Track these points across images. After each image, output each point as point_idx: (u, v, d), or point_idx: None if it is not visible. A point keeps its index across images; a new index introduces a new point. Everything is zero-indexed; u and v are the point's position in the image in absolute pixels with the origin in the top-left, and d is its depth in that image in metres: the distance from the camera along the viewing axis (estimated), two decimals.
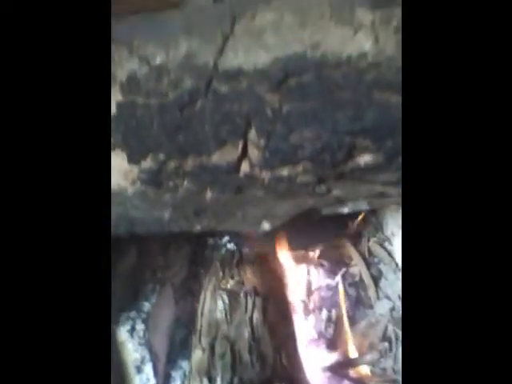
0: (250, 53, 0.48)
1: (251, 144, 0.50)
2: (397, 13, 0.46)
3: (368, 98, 0.45)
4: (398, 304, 0.95)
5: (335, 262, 1.05)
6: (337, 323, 0.95)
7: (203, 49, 0.49)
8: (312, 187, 0.54)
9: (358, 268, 1.04)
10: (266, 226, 0.57)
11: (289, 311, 0.90)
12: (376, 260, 1.04)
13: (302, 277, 1.02)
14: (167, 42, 0.50)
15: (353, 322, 0.96)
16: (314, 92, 0.46)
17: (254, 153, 0.51)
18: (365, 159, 0.50)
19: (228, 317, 0.80)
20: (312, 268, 1.03)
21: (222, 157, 0.52)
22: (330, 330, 0.93)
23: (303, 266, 1.03)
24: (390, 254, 1.03)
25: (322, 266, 1.04)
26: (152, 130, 0.52)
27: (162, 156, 0.53)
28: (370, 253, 1.06)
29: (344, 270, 1.03)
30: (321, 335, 0.94)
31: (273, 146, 0.49)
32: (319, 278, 1.03)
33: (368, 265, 1.03)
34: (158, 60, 0.50)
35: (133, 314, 0.89)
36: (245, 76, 0.47)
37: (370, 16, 0.46)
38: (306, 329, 0.94)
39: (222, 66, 0.48)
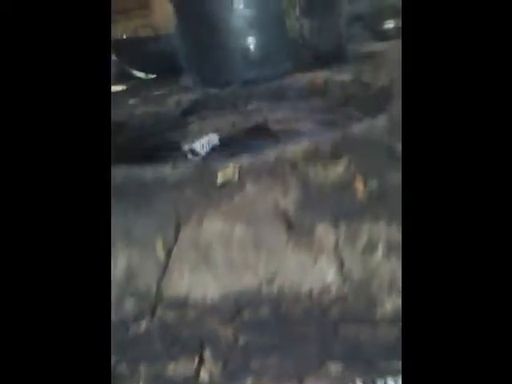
0: (197, 277, 0.41)
1: (208, 362, 0.45)
2: (364, 228, 0.40)
3: (334, 332, 0.40)
4: None
5: None
6: None
7: (145, 264, 0.43)
8: None
9: None
10: None
11: None
12: None
13: None
14: None
15: None
16: (272, 327, 0.40)
17: (212, 369, 0.45)
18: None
19: None
20: None
21: (177, 369, 0.46)
22: None
23: None
24: None
25: None
26: None
27: (113, 359, 0.48)
28: None
29: None
30: None
31: (231, 370, 0.43)
32: None
33: None
34: None
35: None
36: (192, 307, 0.41)
37: (332, 235, 0.40)
38: None
39: (167, 292, 0.42)
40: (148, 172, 0.50)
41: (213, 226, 0.42)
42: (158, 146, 1.19)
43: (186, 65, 1.51)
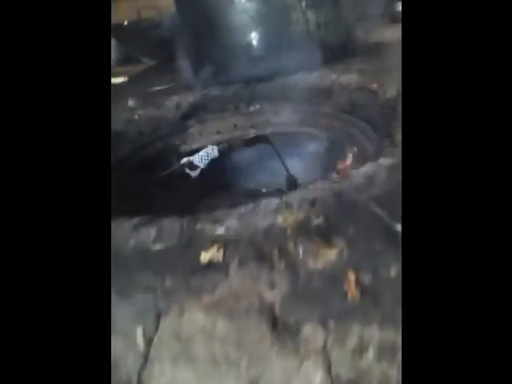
0: (178, 371, 0.39)
1: None
2: (355, 327, 0.37)
3: None
4: None
5: None
6: None
7: (126, 354, 0.41)
8: None
9: None
10: None
11: None
12: None
13: None
14: None
15: None
16: None
17: None
18: None
19: None
20: None
21: None
22: None
23: None
24: None
25: None
26: None
27: None
28: None
29: None
30: None
31: None
32: None
33: None
34: None
35: None
36: None
37: (321, 333, 0.37)
38: None
39: None
40: (132, 241, 0.48)
41: (194, 319, 0.39)
42: (158, 155, 1.16)
43: (187, 59, 1.45)
